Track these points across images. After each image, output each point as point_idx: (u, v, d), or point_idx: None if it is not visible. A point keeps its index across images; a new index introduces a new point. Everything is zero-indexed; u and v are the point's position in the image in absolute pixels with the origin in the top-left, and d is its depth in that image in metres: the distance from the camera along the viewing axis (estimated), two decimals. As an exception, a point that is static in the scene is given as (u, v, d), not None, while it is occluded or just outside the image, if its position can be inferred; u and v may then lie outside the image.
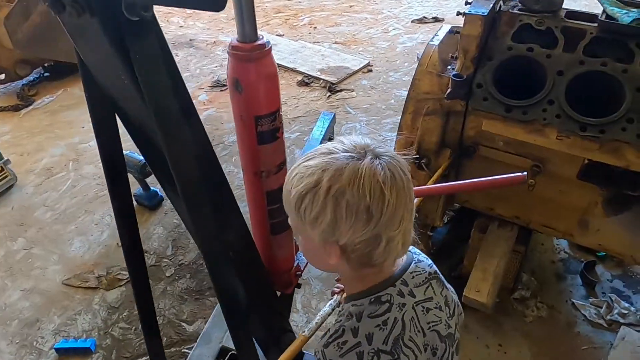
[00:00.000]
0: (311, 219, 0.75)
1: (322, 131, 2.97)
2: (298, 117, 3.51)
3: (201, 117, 3.76)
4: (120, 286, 2.33)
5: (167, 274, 2.39)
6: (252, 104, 1.05)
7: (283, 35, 4.66)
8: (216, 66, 4.21)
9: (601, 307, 2.15)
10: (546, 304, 2.18)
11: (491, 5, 1.68)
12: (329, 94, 3.75)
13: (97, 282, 2.35)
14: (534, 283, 2.24)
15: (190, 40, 4.66)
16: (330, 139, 3.24)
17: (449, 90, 1.73)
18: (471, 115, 1.77)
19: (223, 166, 2.93)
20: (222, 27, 4.85)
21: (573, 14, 1.71)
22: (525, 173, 1.21)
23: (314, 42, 4.52)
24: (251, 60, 1.00)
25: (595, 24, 1.64)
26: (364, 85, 3.85)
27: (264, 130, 1.09)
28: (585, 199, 1.80)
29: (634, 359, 1.95)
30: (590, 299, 2.19)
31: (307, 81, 3.90)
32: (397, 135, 1.95)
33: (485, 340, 2.05)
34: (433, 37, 1.96)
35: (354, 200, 0.72)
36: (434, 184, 1.77)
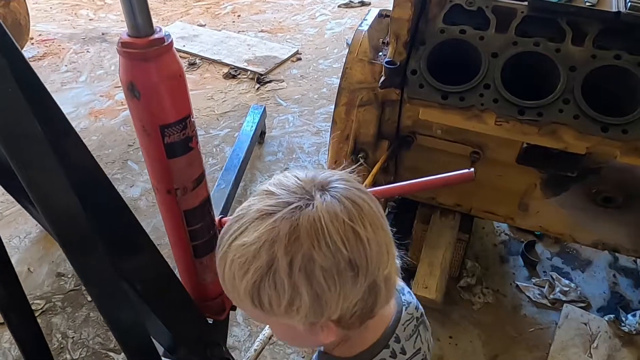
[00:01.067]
0: (283, 308, 0.56)
1: (252, 126, 2.79)
2: (226, 112, 3.30)
3: (119, 118, 3.37)
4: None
5: (89, 298, 2.13)
6: (154, 111, 0.87)
7: (205, 25, 4.38)
8: (133, 61, 3.87)
9: (544, 287, 2.16)
10: (492, 289, 2.16)
11: (420, -14, 1.58)
12: (258, 85, 3.55)
13: (5, 316, 2.06)
14: (478, 269, 2.22)
15: (103, 34, 4.26)
16: (263, 134, 3.01)
17: (383, 78, 1.62)
18: (407, 103, 1.67)
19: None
20: (138, 19, 4.49)
21: (503, -7, 1.64)
22: (472, 170, 1.13)
23: (239, 31, 4.29)
24: (148, 59, 0.82)
25: (526, 3, 1.58)
26: (294, 74, 3.69)
27: (172, 141, 0.91)
28: (524, 182, 1.77)
29: (578, 335, 1.97)
30: (532, 280, 2.20)
31: (234, 73, 3.68)
32: (329, 138, 1.81)
33: (435, 333, 1.99)
34: (362, 22, 1.84)
35: (329, 263, 0.53)
36: (374, 177, 1.67)
